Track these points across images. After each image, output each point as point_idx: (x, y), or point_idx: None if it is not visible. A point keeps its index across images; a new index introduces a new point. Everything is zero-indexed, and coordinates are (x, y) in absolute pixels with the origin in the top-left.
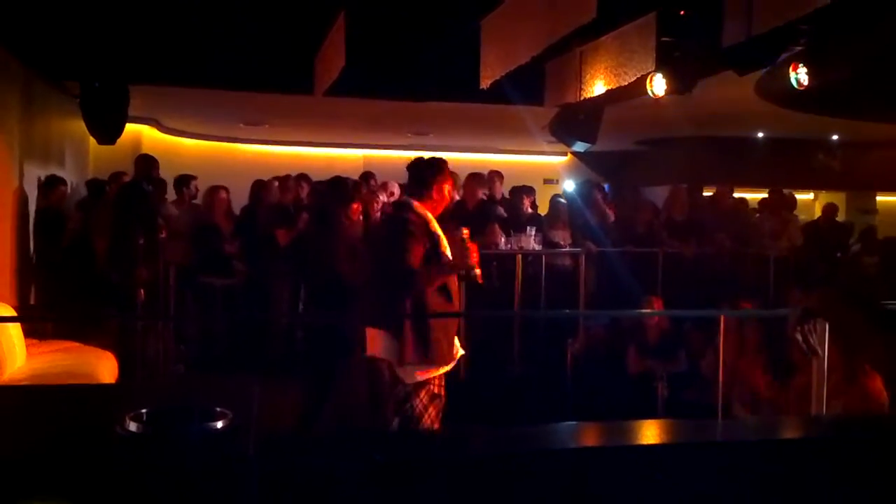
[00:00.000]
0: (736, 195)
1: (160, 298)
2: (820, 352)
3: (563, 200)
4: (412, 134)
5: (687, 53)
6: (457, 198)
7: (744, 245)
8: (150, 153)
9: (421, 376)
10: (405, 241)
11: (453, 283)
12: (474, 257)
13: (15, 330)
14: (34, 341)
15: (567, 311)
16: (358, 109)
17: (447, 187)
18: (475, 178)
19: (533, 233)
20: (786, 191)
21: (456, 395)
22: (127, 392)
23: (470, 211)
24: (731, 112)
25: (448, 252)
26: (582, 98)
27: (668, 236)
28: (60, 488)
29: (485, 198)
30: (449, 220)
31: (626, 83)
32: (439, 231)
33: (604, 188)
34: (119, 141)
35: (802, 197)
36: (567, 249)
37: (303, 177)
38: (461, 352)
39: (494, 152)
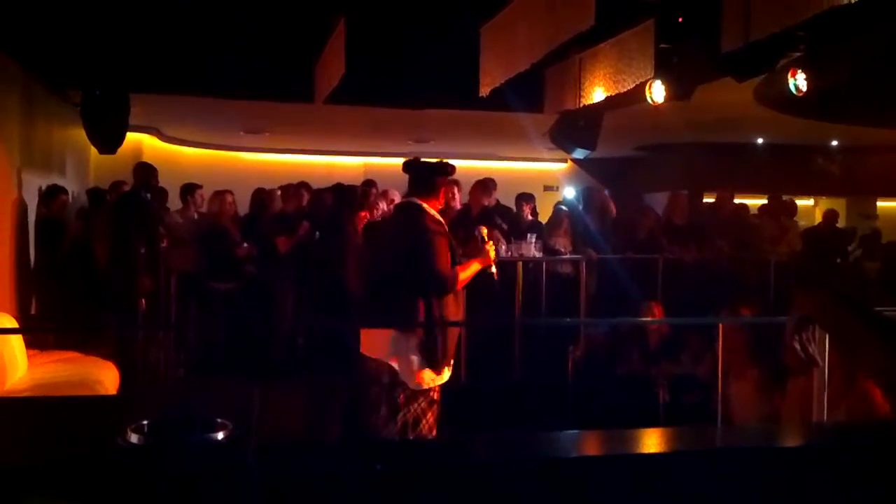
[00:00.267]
0: (736, 201)
1: (161, 307)
2: (819, 361)
3: (564, 208)
4: (412, 141)
5: (685, 60)
6: (458, 206)
7: (744, 250)
8: (151, 162)
9: (429, 384)
10: (434, 245)
11: (462, 291)
12: (491, 253)
13: (16, 340)
14: (35, 351)
15: (568, 319)
16: (358, 117)
17: (450, 191)
18: (481, 186)
19: (533, 240)
20: (786, 197)
21: (457, 401)
22: (128, 402)
23: (473, 218)
24: (730, 118)
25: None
26: (581, 105)
27: (668, 242)
28: (63, 499)
29: (488, 205)
30: (454, 226)
31: (626, 90)
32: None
33: (605, 191)
34: (120, 150)
35: (803, 203)
36: (568, 256)
37: (303, 185)
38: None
39: (494, 159)
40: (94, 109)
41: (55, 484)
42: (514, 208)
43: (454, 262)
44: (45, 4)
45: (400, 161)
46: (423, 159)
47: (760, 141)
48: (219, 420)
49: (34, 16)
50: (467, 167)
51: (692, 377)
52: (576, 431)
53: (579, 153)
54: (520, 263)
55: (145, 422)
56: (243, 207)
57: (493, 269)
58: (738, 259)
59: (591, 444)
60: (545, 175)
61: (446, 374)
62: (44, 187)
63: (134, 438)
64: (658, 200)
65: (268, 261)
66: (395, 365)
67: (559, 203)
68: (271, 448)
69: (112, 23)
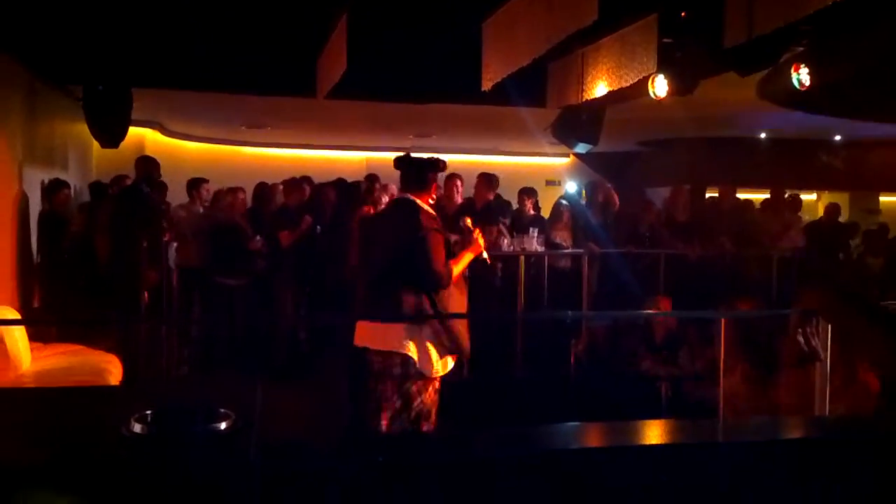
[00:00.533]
0: (740, 196)
1: (164, 300)
2: (822, 355)
3: (564, 202)
4: (414, 136)
5: (688, 54)
6: (460, 200)
7: (747, 245)
8: (154, 156)
9: (438, 372)
10: (430, 242)
11: (462, 281)
12: (480, 241)
13: (20, 333)
14: (39, 344)
15: (570, 311)
16: (360, 112)
17: (453, 185)
18: (485, 180)
19: (536, 234)
20: (791, 192)
21: (459, 396)
22: (131, 394)
23: (477, 211)
24: (733, 112)
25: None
26: (584, 99)
27: (670, 237)
28: (67, 489)
29: (491, 199)
30: (457, 217)
31: (628, 84)
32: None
33: (608, 185)
34: (122, 144)
35: (805, 197)
36: (570, 251)
37: (305, 179)
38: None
39: (496, 154)
40: (97, 104)
41: (59, 473)
42: (515, 203)
43: (450, 256)
44: (47, 1)
45: (423, 155)
46: (413, 155)
47: (763, 135)
48: (221, 410)
49: (36, 12)
50: (469, 162)
51: (693, 372)
52: (577, 424)
53: (581, 148)
54: (522, 258)
55: (149, 412)
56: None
57: (485, 255)
58: (740, 254)
59: (592, 437)
60: (547, 170)
61: (451, 363)
62: (46, 181)
63: (137, 428)
64: (660, 195)
65: (270, 255)
66: (412, 355)
67: (561, 197)
68: (273, 440)
69: (114, 18)
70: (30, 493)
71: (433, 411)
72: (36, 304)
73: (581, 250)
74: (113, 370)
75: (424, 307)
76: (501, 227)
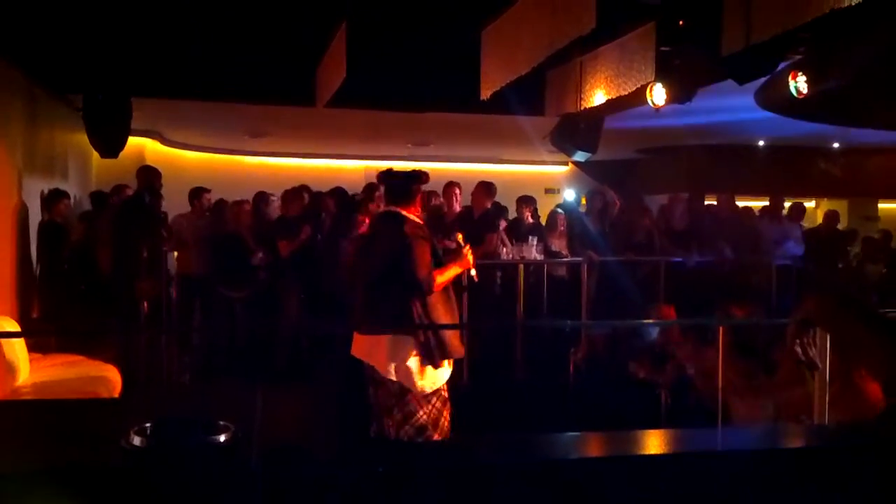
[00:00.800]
0: (740, 204)
1: (164, 309)
2: (819, 364)
3: (560, 211)
4: (413, 145)
5: (686, 62)
6: (458, 208)
7: (747, 253)
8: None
9: (433, 385)
10: (413, 249)
11: (452, 291)
12: (469, 258)
13: (19, 344)
14: (38, 355)
15: (569, 321)
16: (359, 121)
17: (420, 194)
18: (483, 188)
19: (535, 242)
20: (793, 200)
21: (459, 403)
22: (130, 405)
23: (475, 220)
24: (731, 120)
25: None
26: (582, 108)
27: (668, 245)
28: (66, 502)
29: (489, 206)
30: (454, 227)
31: (627, 92)
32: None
33: (610, 192)
34: (122, 154)
35: (804, 204)
36: (569, 259)
37: (304, 188)
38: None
39: (495, 162)
40: (97, 114)
41: (57, 487)
42: (514, 211)
43: (438, 264)
44: (47, 11)
45: (401, 165)
46: (396, 168)
47: (762, 143)
48: (221, 423)
49: (36, 22)
50: (468, 170)
51: (692, 379)
52: (576, 433)
53: (580, 156)
54: (521, 266)
55: (148, 424)
56: None
57: (473, 273)
58: (739, 262)
59: (591, 446)
60: (546, 178)
61: (446, 372)
62: (46, 191)
63: (137, 441)
64: (659, 203)
65: (270, 266)
66: (392, 371)
67: (557, 206)
68: (274, 450)
69: (114, 28)
70: None
71: (443, 420)
72: (35, 315)
73: (580, 258)
74: (113, 380)
75: (412, 316)
76: (503, 235)
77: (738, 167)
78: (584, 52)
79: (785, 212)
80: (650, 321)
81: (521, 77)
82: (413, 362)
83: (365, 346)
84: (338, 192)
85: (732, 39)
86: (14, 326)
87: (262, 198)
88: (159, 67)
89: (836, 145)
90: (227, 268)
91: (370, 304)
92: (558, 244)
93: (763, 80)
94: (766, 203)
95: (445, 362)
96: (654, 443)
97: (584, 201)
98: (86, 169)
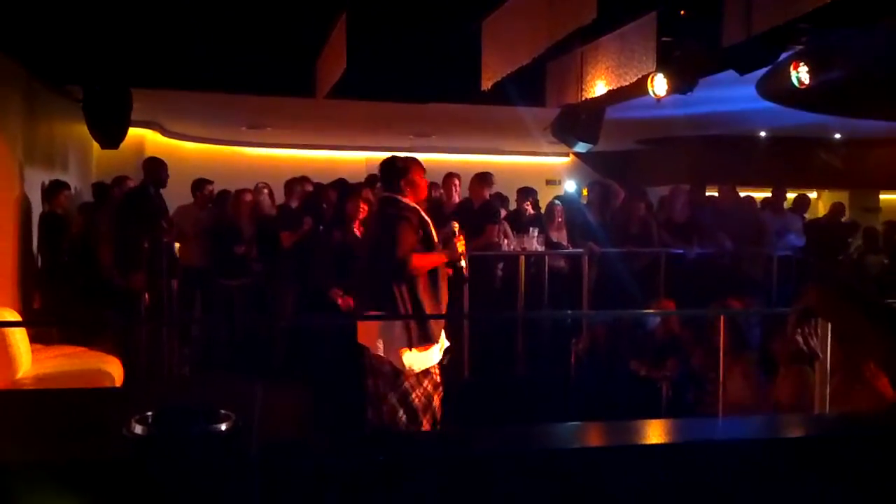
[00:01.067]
0: (742, 194)
1: (164, 301)
2: (820, 354)
3: (557, 202)
4: (414, 136)
5: (687, 53)
6: (457, 199)
7: (749, 244)
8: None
9: (422, 365)
10: (398, 229)
11: (442, 277)
12: (459, 248)
13: (21, 335)
14: (40, 346)
15: (570, 311)
16: (359, 112)
17: (418, 180)
18: (480, 178)
19: (535, 234)
20: (796, 192)
21: (460, 396)
22: (132, 395)
23: (475, 210)
24: (732, 111)
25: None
26: (583, 98)
27: (669, 237)
28: (67, 490)
29: (489, 198)
30: (452, 217)
31: (627, 83)
32: (429, 220)
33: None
34: (122, 145)
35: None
36: (570, 250)
37: (305, 179)
38: (446, 344)
39: (496, 153)
40: (96, 105)
41: (58, 475)
42: (514, 203)
43: (429, 248)
44: (45, 3)
45: (402, 155)
46: (394, 155)
47: (763, 134)
48: (222, 412)
49: (34, 14)
50: (469, 161)
51: (693, 371)
52: (576, 423)
53: (581, 147)
54: (522, 258)
55: (149, 413)
56: None
57: (463, 264)
58: (739, 254)
59: (591, 436)
60: (547, 169)
61: (435, 355)
62: (46, 183)
63: (138, 429)
64: (659, 194)
65: (270, 257)
66: (381, 349)
67: (555, 197)
68: (273, 440)
69: (112, 19)
70: (30, 494)
71: (434, 404)
72: (37, 306)
73: (581, 250)
74: (114, 371)
75: (395, 299)
76: (505, 226)
77: (739, 158)
78: (585, 43)
79: (788, 203)
80: (650, 311)
81: (521, 68)
82: (400, 341)
83: (362, 329)
84: (339, 184)
85: (733, 30)
86: (16, 317)
87: (254, 188)
88: (159, 58)
89: (837, 136)
90: (219, 257)
91: (362, 286)
92: (557, 235)
93: (765, 70)
94: (768, 194)
95: (434, 346)
96: (653, 432)
97: (584, 192)
98: (86, 160)
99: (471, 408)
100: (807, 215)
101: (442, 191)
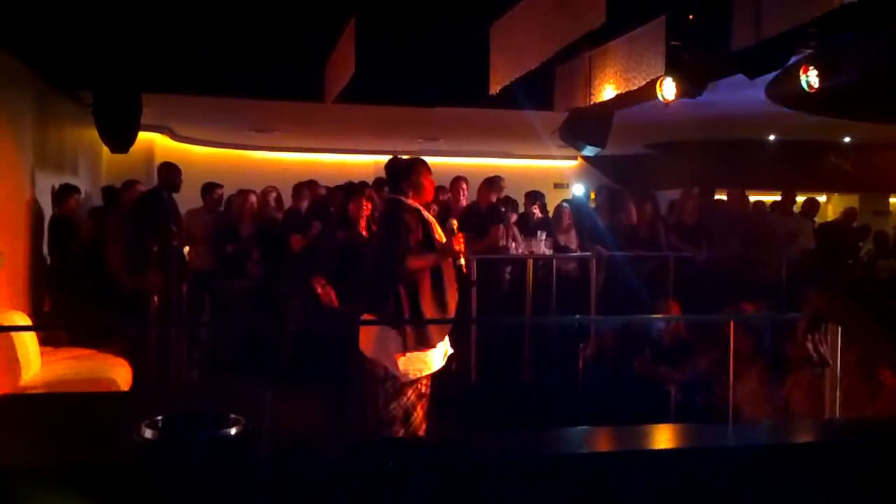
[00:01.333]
0: (752, 198)
1: (174, 304)
2: (830, 361)
3: (565, 205)
4: (422, 140)
5: (696, 57)
6: (465, 203)
7: (756, 248)
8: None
9: (415, 373)
10: (394, 229)
11: (449, 282)
12: (458, 244)
13: (30, 338)
14: (49, 349)
15: (578, 316)
16: (368, 116)
17: (423, 181)
18: (488, 183)
19: (543, 237)
20: (806, 195)
21: (468, 400)
22: (142, 399)
23: (483, 213)
24: (741, 115)
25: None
26: (591, 102)
27: (678, 240)
28: (77, 495)
29: (495, 202)
30: (459, 221)
31: (636, 87)
32: (433, 220)
33: (621, 189)
34: (132, 149)
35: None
36: (578, 254)
37: (313, 183)
38: (450, 350)
39: (504, 157)
40: (106, 110)
41: (69, 479)
42: (522, 206)
43: (429, 249)
44: (55, 8)
45: (406, 157)
46: (399, 157)
47: (772, 138)
48: (232, 416)
49: (45, 19)
50: (477, 165)
51: (702, 376)
52: (585, 428)
53: (589, 151)
54: (530, 261)
55: (159, 417)
56: None
57: (462, 263)
58: (749, 257)
59: (600, 441)
60: (555, 173)
61: (435, 360)
62: (56, 187)
63: (148, 434)
64: (668, 198)
65: (277, 260)
66: (375, 354)
67: (563, 200)
68: (283, 445)
69: (123, 24)
70: (41, 498)
71: (415, 416)
72: (46, 309)
73: (589, 253)
74: (123, 374)
75: (392, 301)
76: (514, 230)
77: (748, 162)
78: (594, 47)
79: (798, 207)
80: (660, 316)
81: (530, 72)
82: (395, 345)
83: (363, 336)
84: (347, 188)
85: (742, 34)
86: (26, 321)
87: (262, 192)
88: (169, 63)
89: (847, 140)
90: (222, 258)
91: (363, 286)
92: (564, 239)
93: (774, 74)
94: (778, 198)
95: (432, 352)
96: (662, 437)
97: (592, 196)
98: (96, 164)
99: (478, 413)
100: (816, 219)
101: (450, 194)
